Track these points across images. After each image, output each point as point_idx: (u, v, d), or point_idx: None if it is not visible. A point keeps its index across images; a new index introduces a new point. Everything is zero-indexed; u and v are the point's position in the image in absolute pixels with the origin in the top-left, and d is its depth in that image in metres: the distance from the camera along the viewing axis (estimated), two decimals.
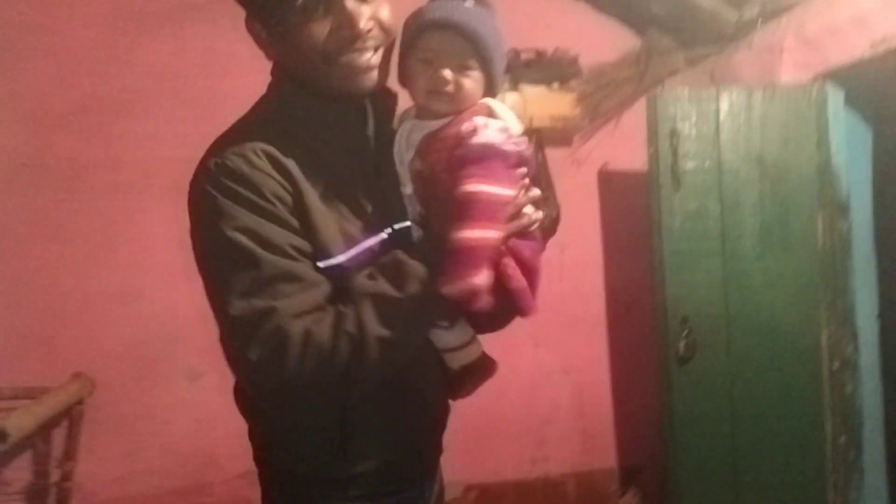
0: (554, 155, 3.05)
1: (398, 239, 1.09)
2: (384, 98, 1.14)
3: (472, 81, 1.05)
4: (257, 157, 1.00)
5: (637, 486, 3.03)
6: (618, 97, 3.13)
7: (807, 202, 2.44)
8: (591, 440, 3.15)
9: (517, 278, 1.04)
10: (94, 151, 2.66)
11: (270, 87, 1.13)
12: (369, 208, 1.09)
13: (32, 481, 2.50)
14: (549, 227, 2.94)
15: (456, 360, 1.18)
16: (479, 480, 3.01)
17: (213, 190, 0.98)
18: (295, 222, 1.00)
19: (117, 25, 2.69)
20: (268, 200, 0.98)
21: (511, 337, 3.25)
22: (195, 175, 1.03)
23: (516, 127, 1.07)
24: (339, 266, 1.03)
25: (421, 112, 1.09)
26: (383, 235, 1.08)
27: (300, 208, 1.01)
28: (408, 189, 1.10)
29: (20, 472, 2.51)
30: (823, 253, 2.42)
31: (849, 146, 2.55)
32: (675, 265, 2.49)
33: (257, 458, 1.22)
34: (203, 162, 1.03)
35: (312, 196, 1.02)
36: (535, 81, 2.99)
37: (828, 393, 2.40)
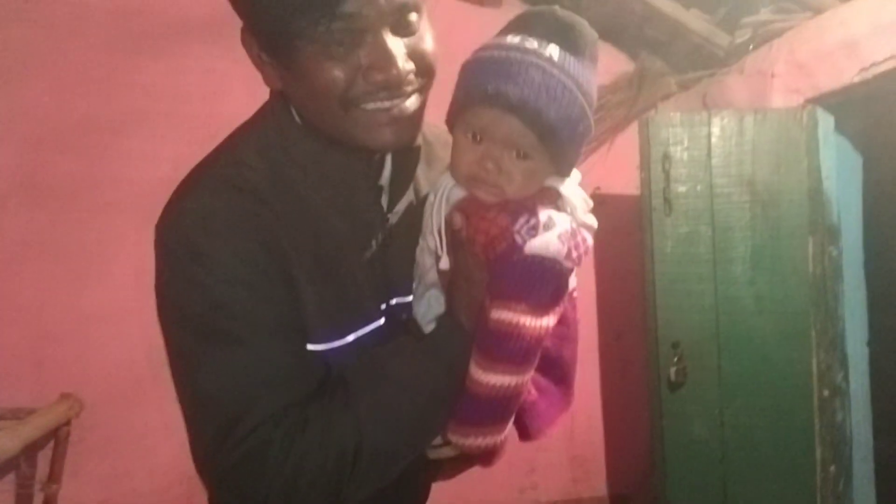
0: None
1: (395, 319, 0.91)
2: (408, 148, 0.88)
3: (531, 170, 0.80)
4: (234, 206, 0.82)
5: None
6: (611, 121, 3.14)
7: (797, 227, 2.44)
8: (582, 467, 3.13)
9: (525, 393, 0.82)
10: (90, 171, 2.66)
11: (265, 115, 0.90)
12: (372, 283, 0.89)
13: (17, 502, 2.47)
14: None
15: (432, 453, 0.96)
16: None
17: (179, 248, 0.83)
18: (279, 288, 0.81)
19: (115, 46, 2.71)
20: (246, 262, 0.80)
21: None
22: (166, 225, 0.86)
23: (586, 217, 0.86)
24: (330, 350, 0.84)
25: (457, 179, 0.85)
26: (380, 322, 0.89)
27: (284, 278, 0.82)
28: (443, 263, 0.84)
29: (3, 494, 2.48)
30: (814, 278, 2.42)
31: (839, 171, 2.56)
32: (666, 290, 2.49)
33: None
34: (177, 205, 0.86)
35: (300, 266, 0.83)
36: None
37: (818, 421, 2.38)
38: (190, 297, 0.80)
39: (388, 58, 0.75)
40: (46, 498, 2.40)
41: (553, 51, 0.78)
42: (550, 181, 0.84)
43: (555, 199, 0.83)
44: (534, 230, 0.77)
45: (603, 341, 3.17)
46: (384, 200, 0.91)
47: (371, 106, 0.78)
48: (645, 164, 2.54)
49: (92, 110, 2.67)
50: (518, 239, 0.76)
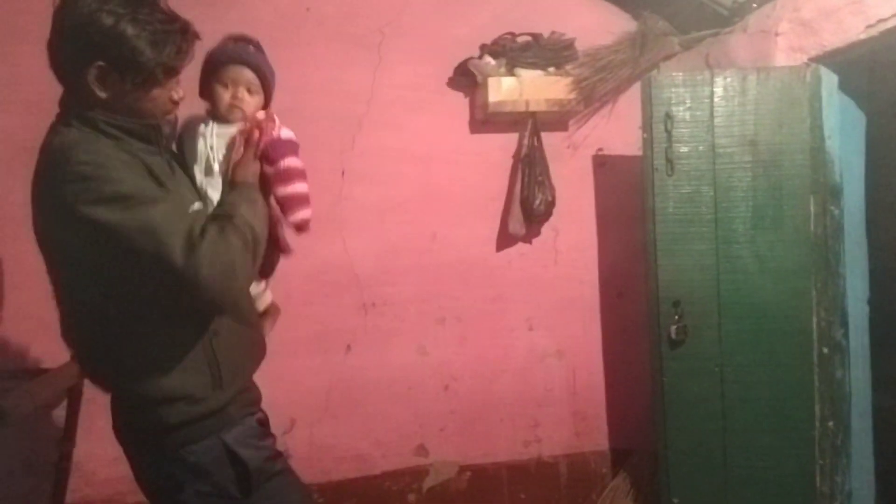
0: (549, 139, 3.06)
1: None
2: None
3: (256, 100, 1.58)
4: (101, 144, 1.32)
5: (628, 468, 3.06)
6: (613, 81, 3.12)
7: (799, 186, 2.45)
8: (584, 423, 3.18)
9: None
10: None
11: (82, 115, 1.37)
12: (173, 189, 1.41)
13: (31, 461, 2.54)
14: (544, 212, 2.98)
15: (262, 303, 1.70)
16: (473, 462, 3.05)
17: (83, 168, 1.26)
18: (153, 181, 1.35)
19: None
20: (131, 166, 1.31)
21: (506, 320, 3.30)
22: (52, 169, 1.33)
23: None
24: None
25: (218, 118, 1.56)
26: (198, 205, 1.45)
27: (151, 175, 1.35)
28: (215, 166, 1.52)
29: (19, 452, 2.54)
30: (815, 237, 2.44)
31: (842, 130, 2.55)
32: (667, 249, 2.51)
33: (142, 430, 1.45)
34: (57, 160, 1.32)
35: (153, 168, 1.37)
36: (531, 65, 3.00)
37: (817, 377, 2.42)
38: (116, 187, 1.24)
39: (176, 90, 1.45)
40: (61, 456, 2.45)
41: (251, 48, 1.61)
42: (268, 110, 1.60)
43: (272, 117, 1.56)
44: (279, 128, 1.55)
45: (604, 300, 3.21)
46: (163, 147, 1.49)
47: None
48: (647, 125, 2.54)
49: None
50: (276, 132, 1.54)
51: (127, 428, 1.48)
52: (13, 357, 2.54)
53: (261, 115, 1.57)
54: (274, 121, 1.55)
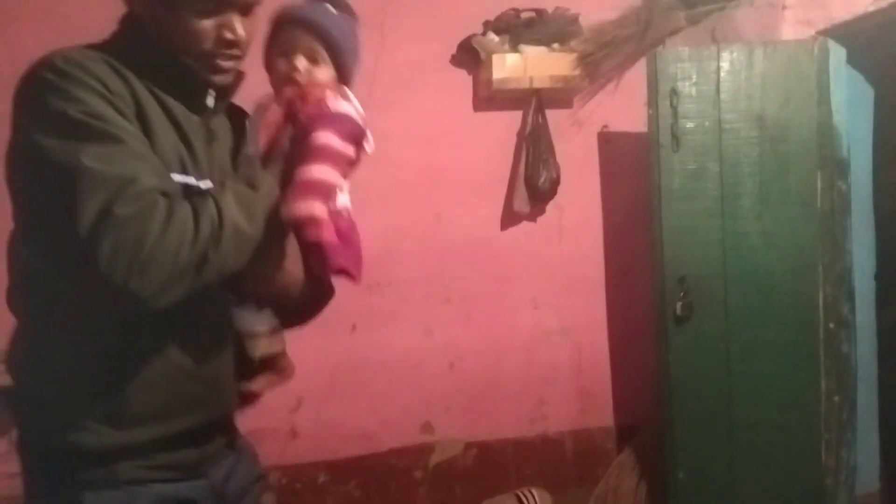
0: (554, 116, 3.03)
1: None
2: (232, 81, 1.19)
3: (322, 72, 1.19)
4: (99, 61, 1.02)
5: (634, 444, 3.08)
6: (618, 57, 3.09)
7: (806, 161, 2.43)
8: (589, 399, 3.19)
9: (331, 233, 1.08)
10: None
11: (119, 34, 1.15)
12: (200, 158, 1.12)
13: None
14: (549, 190, 2.96)
15: (258, 349, 1.24)
16: (479, 438, 3.07)
17: (50, 74, 0.96)
18: (138, 126, 1.01)
19: None
20: (113, 93, 0.99)
21: (511, 299, 3.30)
22: (29, 71, 0.99)
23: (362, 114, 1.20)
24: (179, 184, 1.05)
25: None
26: (209, 183, 1.11)
27: (141, 118, 1.02)
28: (251, 149, 1.17)
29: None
30: (822, 213, 2.42)
31: (850, 105, 2.53)
32: (673, 226, 2.50)
33: (21, 434, 1.12)
34: (39, 61, 1.00)
35: (153, 116, 1.05)
36: (535, 41, 2.96)
37: (823, 352, 2.42)
38: (67, 107, 0.94)
39: (234, 27, 1.08)
40: None
41: (330, 8, 1.21)
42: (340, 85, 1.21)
43: (342, 92, 1.19)
44: (333, 99, 1.15)
45: (610, 277, 3.20)
46: (210, 112, 1.17)
47: (213, 61, 1.10)
48: (653, 100, 2.52)
49: None
50: (325, 103, 1.14)
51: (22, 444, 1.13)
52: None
53: (339, 86, 1.21)
54: (327, 90, 1.17)
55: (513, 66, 2.89)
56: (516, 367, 3.11)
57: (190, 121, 1.12)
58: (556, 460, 3.15)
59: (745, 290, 2.46)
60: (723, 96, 2.47)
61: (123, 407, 1.04)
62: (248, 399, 1.29)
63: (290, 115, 1.14)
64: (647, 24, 3.08)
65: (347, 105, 1.16)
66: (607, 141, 3.20)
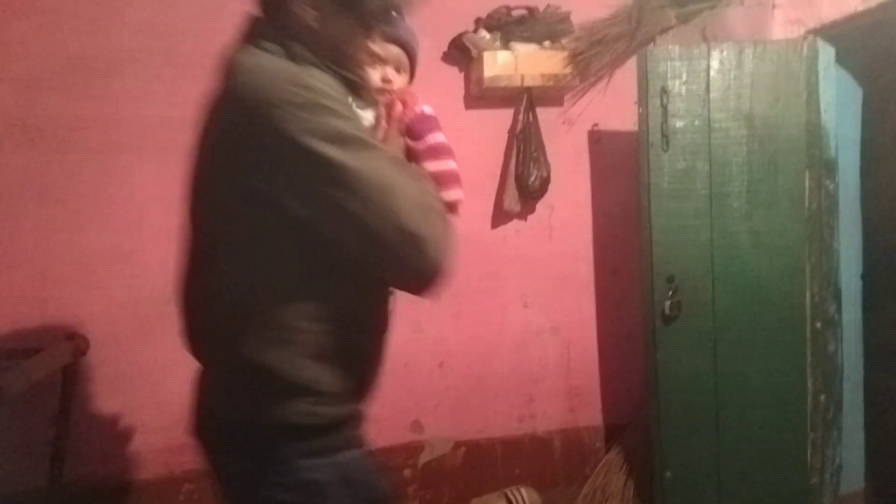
0: (545, 114, 3.04)
1: None
2: None
3: (403, 78, 1.47)
4: (324, 77, 1.12)
5: (622, 442, 3.09)
6: (609, 55, 3.09)
7: (795, 161, 2.44)
8: (578, 398, 3.20)
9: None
10: (84, 111, 2.64)
11: (296, 52, 1.17)
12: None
13: (28, 440, 2.55)
14: (539, 188, 2.96)
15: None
16: (468, 437, 3.07)
17: (305, 92, 1.05)
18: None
19: None
20: (352, 110, 1.17)
21: (501, 297, 3.30)
22: (244, 90, 1.06)
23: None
24: None
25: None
26: None
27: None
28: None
29: (14, 431, 2.55)
30: (810, 212, 2.43)
31: (838, 104, 2.54)
32: (662, 225, 2.50)
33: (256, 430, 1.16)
34: (255, 77, 1.07)
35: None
36: (527, 39, 2.96)
37: (810, 352, 2.43)
38: (339, 124, 1.06)
39: (380, 57, 1.36)
40: (57, 435, 2.46)
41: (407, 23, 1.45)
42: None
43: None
44: (421, 106, 1.40)
45: (599, 275, 3.21)
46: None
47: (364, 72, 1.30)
48: (643, 99, 2.52)
49: (84, 49, 2.63)
50: (419, 109, 1.39)
51: (229, 425, 1.18)
52: (9, 337, 2.53)
53: (405, 88, 1.45)
54: (416, 96, 1.41)
55: (504, 63, 2.89)
56: (505, 365, 3.11)
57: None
58: (545, 459, 3.16)
59: (733, 289, 2.47)
60: (712, 95, 2.48)
61: (367, 379, 1.27)
62: None
63: (390, 114, 1.37)
64: (638, 23, 3.08)
65: (428, 107, 1.41)
66: (598, 139, 3.20)
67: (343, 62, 1.20)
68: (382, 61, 1.38)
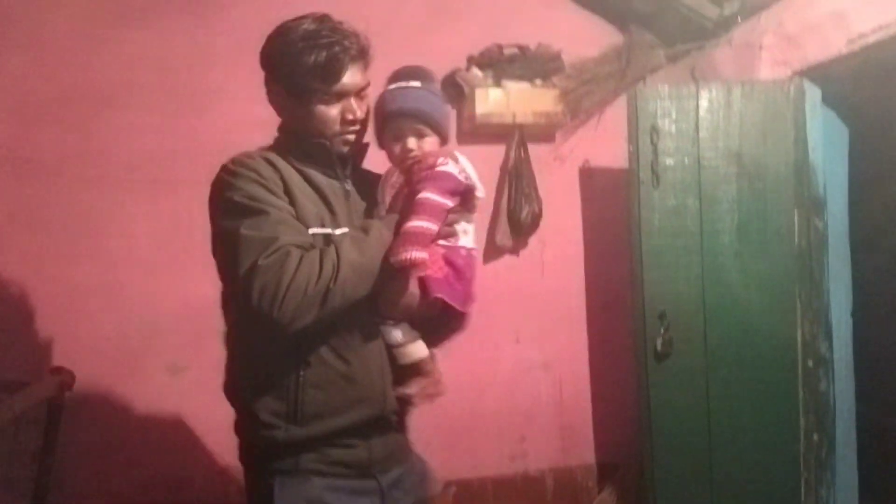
0: (536, 151, 3.06)
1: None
2: (359, 150, 1.52)
3: (429, 142, 1.44)
4: (258, 159, 1.36)
5: (614, 482, 3.05)
6: (600, 93, 3.14)
7: (784, 199, 2.46)
8: (570, 436, 3.17)
9: (435, 269, 1.35)
10: (76, 143, 2.65)
11: (277, 139, 1.48)
12: (338, 212, 1.40)
13: (10, 475, 2.49)
14: (531, 224, 2.97)
15: (401, 357, 1.44)
16: (459, 476, 3.02)
17: (225, 175, 1.33)
18: (286, 199, 1.33)
19: (100, 16, 2.69)
20: (266, 179, 1.32)
21: (492, 332, 3.28)
22: (216, 175, 1.36)
23: (473, 173, 1.43)
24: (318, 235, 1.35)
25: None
26: (345, 229, 1.38)
27: (288, 192, 1.34)
28: (382, 212, 1.43)
29: None
30: (800, 250, 2.44)
31: (826, 144, 2.57)
32: (653, 261, 2.51)
33: (244, 452, 1.43)
34: (221, 167, 1.37)
35: (297, 189, 1.36)
36: (518, 77, 3.00)
37: (802, 390, 2.42)
38: (234, 195, 1.30)
39: (353, 110, 1.41)
40: (41, 470, 2.42)
41: (415, 84, 1.46)
42: (451, 150, 1.46)
43: (452, 156, 1.42)
44: (441, 163, 1.38)
45: (590, 312, 3.20)
46: (346, 177, 1.49)
47: (340, 138, 1.43)
48: (633, 137, 2.54)
49: (76, 82, 2.65)
50: (433, 167, 1.38)
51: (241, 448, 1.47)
52: None
53: (449, 151, 1.44)
54: (437, 156, 1.40)
55: (496, 101, 2.92)
56: (497, 402, 3.08)
57: (330, 185, 1.42)
58: (537, 498, 3.11)
59: (725, 326, 2.47)
60: (702, 134, 2.50)
61: (300, 407, 1.32)
62: (407, 402, 1.50)
63: (408, 179, 1.41)
64: (628, 62, 3.13)
65: (451, 165, 1.39)
66: (589, 176, 3.22)
67: (313, 134, 1.39)
68: (356, 122, 1.41)
